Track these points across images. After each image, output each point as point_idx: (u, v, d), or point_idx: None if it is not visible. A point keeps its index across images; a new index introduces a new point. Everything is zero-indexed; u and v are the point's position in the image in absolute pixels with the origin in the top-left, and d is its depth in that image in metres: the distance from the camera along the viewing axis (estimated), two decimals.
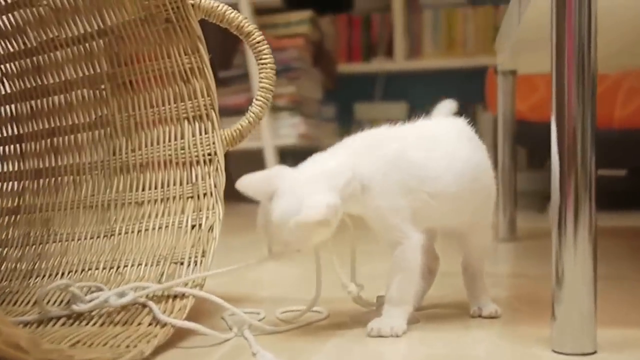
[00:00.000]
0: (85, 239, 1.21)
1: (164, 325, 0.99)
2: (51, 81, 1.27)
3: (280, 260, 1.00)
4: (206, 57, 1.16)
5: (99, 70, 1.23)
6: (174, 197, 1.17)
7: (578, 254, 0.86)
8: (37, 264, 1.22)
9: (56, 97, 1.27)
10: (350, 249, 1.07)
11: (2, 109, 1.33)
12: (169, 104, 1.19)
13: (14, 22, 1.27)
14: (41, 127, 1.30)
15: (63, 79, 1.26)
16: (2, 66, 1.32)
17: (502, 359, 0.89)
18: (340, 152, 1.03)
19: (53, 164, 1.28)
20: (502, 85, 1.95)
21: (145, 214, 1.18)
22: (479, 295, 1.10)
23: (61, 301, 1.09)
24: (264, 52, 1.15)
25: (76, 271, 1.18)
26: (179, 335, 0.99)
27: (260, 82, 1.15)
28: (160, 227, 1.16)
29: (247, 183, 0.98)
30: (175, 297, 1.06)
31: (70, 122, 1.27)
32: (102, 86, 1.23)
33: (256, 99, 1.16)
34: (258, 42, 1.15)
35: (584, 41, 0.87)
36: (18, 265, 1.23)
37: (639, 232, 2.11)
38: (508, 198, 1.94)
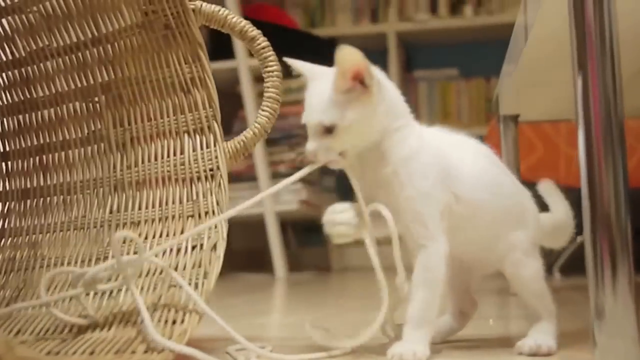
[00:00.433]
0: (76, 262, 1.11)
1: (161, 351, 0.88)
2: (41, 94, 1.18)
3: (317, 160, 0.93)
4: (208, 66, 1.08)
5: (92, 82, 1.15)
6: (173, 216, 1.08)
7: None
8: (22, 290, 1.12)
9: (46, 111, 1.18)
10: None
11: None
12: (168, 116, 1.10)
13: (1, 31, 1.18)
14: (29, 143, 1.20)
15: (54, 91, 1.17)
16: None
17: None
18: None
19: (41, 184, 1.19)
20: (504, 131, 1.88)
21: (142, 235, 1.09)
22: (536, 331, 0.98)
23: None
24: (270, 58, 1.07)
25: (64, 299, 1.07)
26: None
27: (267, 91, 1.07)
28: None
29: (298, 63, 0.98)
30: (174, 321, 0.95)
31: (60, 138, 1.18)
32: (96, 98, 1.15)
33: (262, 109, 1.07)
34: (263, 48, 1.07)
35: (610, 95, 0.81)
36: (1, 293, 1.13)
37: None
38: None
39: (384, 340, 0.99)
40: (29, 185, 1.20)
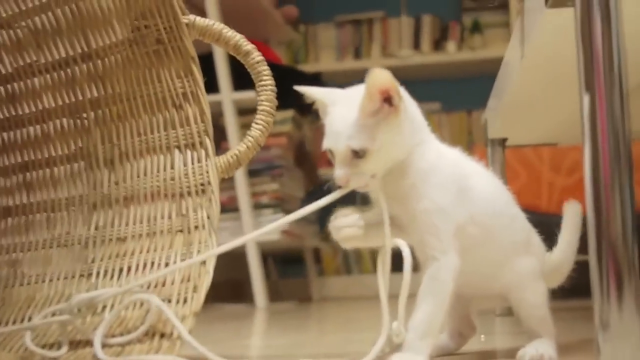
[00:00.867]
0: (58, 279, 1.09)
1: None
2: (27, 111, 1.17)
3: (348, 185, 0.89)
4: (200, 80, 1.07)
5: (81, 98, 1.13)
6: (161, 231, 1.06)
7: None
8: (1, 308, 1.09)
9: (31, 128, 1.16)
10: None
11: None
12: (159, 131, 1.09)
13: None
14: (13, 160, 1.18)
15: (40, 108, 1.16)
16: None
17: None
18: None
19: (24, 201, 1.17)
20: (492, 155, 1.88)
21: (128, 251, 1.07)
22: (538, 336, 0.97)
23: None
24: (264, 73, 1.06)
25: (45, 316, 1.04)
26: None
27: (260, 104, 1.06)
28: (145, 264, 1.05)
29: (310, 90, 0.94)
30: (162, 335, 0.94)
31: (46, 155, 1.16)
32: (84, 115, 1.13)
33: (255, 123, 1.06)
34: (257, 62, 1.06)
35: (617, 117, 0.80)
36: None
37: None
38: None
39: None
40: (11, 203, 1.18)
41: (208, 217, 1.03)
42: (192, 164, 1.06)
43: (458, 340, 1.05)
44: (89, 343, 0.95)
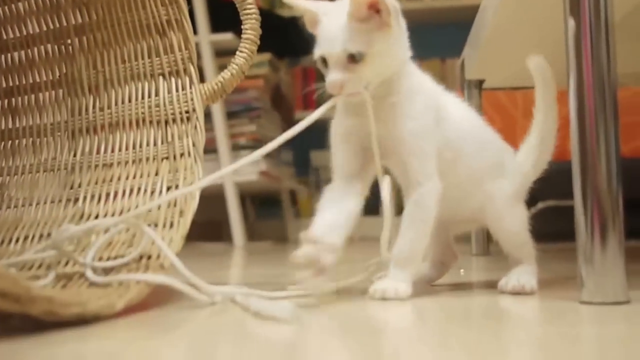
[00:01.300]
0: (45, 203, 1.10)
1: (138, 282, 0.88)
2: (11, 36, 1.16)
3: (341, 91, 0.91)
4: (185, 8, 1.07)
5: (65, 24, 1.13)
6: (147, 158, 1.07)
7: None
8: None
9: (16, 54, 1.16)
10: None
11: None
12: (143, 59, 1.09)
13: None
14: None
15: (24, 33, 1.15)
16: None
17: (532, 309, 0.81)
18: None
19: (10, 126, 1.17)
20: (469, 97, 1.89)
21: (115, 177, 1.08)
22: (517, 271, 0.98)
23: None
24: (248, 1, 1.07)
25: (32, 237, 1.06)
26: (158, 296, 0.89)
27: (245, 32, 1.06)
28: (131, 190, 1.06)
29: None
30: (149, 257, 0.95)
31: (31, 81, 1.16)
32: (69, 41, 1.13)
33: (240, 51, 1.07)
34: None
35: (603, 63, 0.82)
36: None
37: None
38: None
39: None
40: None
41: (193, 145, 1.04)
42: (177, 91, 1.07)
43: (440, 269, 1.07)
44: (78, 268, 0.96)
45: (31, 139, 1.15)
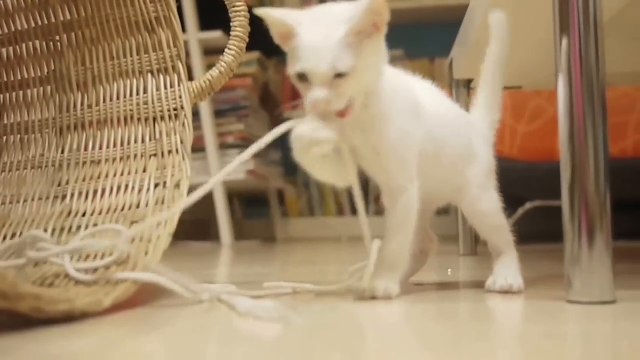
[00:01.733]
0: (33, 200, 1.09)
1: (125, 280, 0.87)
2: None
3: (327, 109, 0.84)
4: (173, 5, 1.07)
5: (54, 20, 1.13)
6: (135, 155, 1.07)
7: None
8: None
9: (4, 50, 1.16)
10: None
11: None
12: (131, 56, 1.09)
13: None
14: None
15: (13, 29, 1.15)
16: None
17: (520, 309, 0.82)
18: None
19: None
20: (457, 96, 1.89)
21: (102, 174, 1.08)
22: (502, 269, 0.99)
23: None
24: None
25: (20, 234, 1.05)
26: (146, 294, 0.89)
27: (234, 30, 1.06)
28: (119, 187, 1.06)
29: (271, 11, 0.87)
30: None
31: (19, 77, 1.16)
32: (57, 37, 1.13)
33: (228, 48, 1.07)
34: None
35: (592, 63, 0.82)
36: None
37: None
38: None
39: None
40: None
41: (181, 142, 1.04)
42: (165, 88, 1.07)
43: (420, 258, 1.06)
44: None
45: (19, 136, 1.15)
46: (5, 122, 1.16)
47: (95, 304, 0.79)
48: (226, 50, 1.07)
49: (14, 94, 1.16)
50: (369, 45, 0.84)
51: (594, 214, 0.81)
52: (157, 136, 1.06)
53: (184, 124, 1.05)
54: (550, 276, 1.19)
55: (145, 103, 1.07)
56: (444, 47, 2.30)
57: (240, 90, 2.94)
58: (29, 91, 1.15)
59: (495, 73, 1.05)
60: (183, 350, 0.64)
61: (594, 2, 0.82)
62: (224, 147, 2.88)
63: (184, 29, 2.85)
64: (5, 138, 1.16)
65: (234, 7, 1.07)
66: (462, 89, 1.89)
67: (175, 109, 1.06)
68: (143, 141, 1.07)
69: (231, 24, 1.07)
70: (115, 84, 1.10)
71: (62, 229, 1.04)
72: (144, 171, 1.05)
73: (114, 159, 1.08)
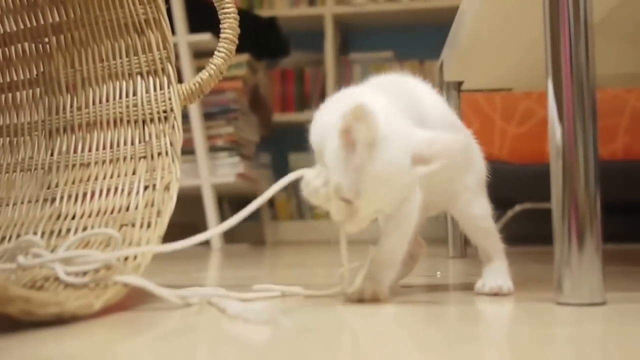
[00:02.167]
0: (22, 203, 1.09)
1: (115, 283, 0.87)
2: None
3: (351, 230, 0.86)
4: (163, 7, 1.07)
5: (42, 22, 1.12)
6: (125, 158, 1.07)
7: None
8: None
9: None
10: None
11: None
12: (121, 57, 1.09)
13: None
14: None
15: (1, 31, 1.15)
16: None
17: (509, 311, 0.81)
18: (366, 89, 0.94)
19: None
20: (447, 99, 1.89)
21: (92, 176, 1.07)
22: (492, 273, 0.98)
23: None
24: (226, 0, 1.06)
25: (10, 237, 1.05)
26: (136, 297, 0.89)
27: (223, 32, 1.06)
28: (108, 190, 1.05)
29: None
30: (126, 258, 0.95)
31: (8, 79, 1.15)
32: (46, 39, 1.12)
33: (218, 51, 1.06)
34: None
35: (582, 65, 0.82)
36: None
37: None
38: None
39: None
40: None
41: (171, 144, 1.04)
42: (155, 90, 1.07)
43: (409, 263, 1.06)
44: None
45: (8, 139, 1.14)
46: None
47: (85, 306, 0.79)
48: (215, 52, 1.07)
49: (3, 96, 1.15)
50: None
51: (583, 216, 0.81)
52: (147, 138, 1.06)
53: (173, 126, 1.05)
54: (540, 278, 1.19)
55: (135, 105, 1.07)
56: (433, 49, 2.31)
57: (229, 92, 2.94)
58: (17, 93, 1.14)
59: None
60: (173, 352, 0.63)
61: (584, 4, 0.82)
62: (213, 149, 2.88)
63: (173, 32, 2.84)
64: None
65: (223, 8, 1.07)
66: (453, 91, 1.89)
67: (164, 111, 1.06)
68: (132, 143, 1.06)
69: (220, 26, 1.07)
70: (105, 86, 1.09)
71: (52, 232, 1.04)
72: (134, 173, 1.05)
73: (104, 162, 1.07)
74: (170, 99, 1.05)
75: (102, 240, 0.99)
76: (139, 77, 1.08)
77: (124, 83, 1.08)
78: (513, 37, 1.34)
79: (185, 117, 2.82)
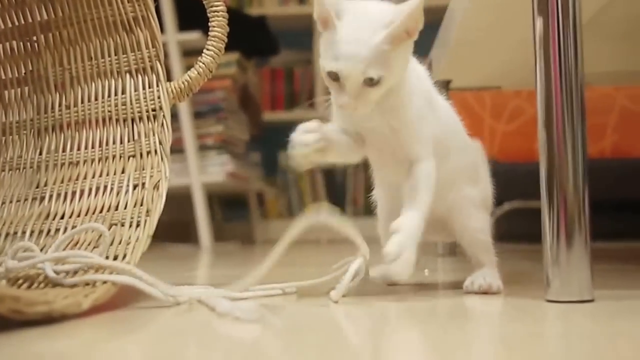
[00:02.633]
0: (11, 202, 1.08)
1: (104, 282, 0.87)
2: None
3: (356, 110, 0.86)
4: (151, 5, 1.06)
5: (30, 20, 1.12)
6: (114, 156, 1.06)
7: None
8: None
9: None
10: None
11: None
12: (109, 56, 1.09)
13: None
14: None
15: None
16: None
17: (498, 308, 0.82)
18: None
19: None
20: None
21: (81, 175, 1.07)
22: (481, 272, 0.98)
23: None
24: None
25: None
26: (125, 296, 0.89)
27: (212, 30, 1.06)
28: (97, 189, 1.05)
29: None
30: (115, 257, 0.95)
31: None
32: (34, 38, 1.12)
33: (206, 49, 1.06)
34: None
35: (571, 64, 0.83)
36: None
37: None
38: None
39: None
40: None
41: (160, 143, 1.04)
42: (144, 89, 1.06)
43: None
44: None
45: None
46: None
47: (74, 305, 0.78)
48: (204, 50, 1.06)
49: None
50: (399, 51, 0.85)
51: (572, 215, 0.82)
52: (136, 137, 1.05)
53: (162, 125, 1.04)
54: (529, 276, 1.19)
55: (124, 104, 1.07)
56: (422, 47, 2.30)
57: (219, 91, 2.93)
58: (5, 92, 1.14)
59: None
60: (162, 352, 0.63)
61: (573, 2, 0.83)
62: (203, 148, 2.87)
63: (162, 30, 2.83)
64: None
65: (212, 7, 1.06)
66: (442, 90, 1.89)
67: (153, 110, 1.05)
68: (121, 142, 1.06)
69: (209, 24, 1.06)
70: (93, 85, 1.09)
71: (41, 231, 1.03)
72: (123, 172, 1.05)
73: (93, 160, 1.07)
74: (159, 97, 1.05)
75: (91, 239, 0.99)
76: (128, 76, 1.07)
77: (113, 81, 1.08)
78: (502, 35, 1.34)
79: (175, 116, 2.81)
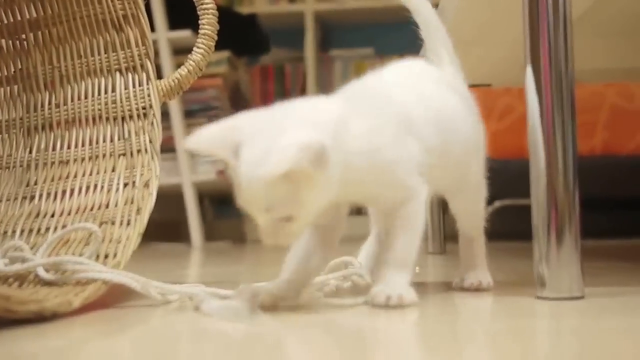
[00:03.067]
0: (1, 201, 1.08)
1: (94, 281, 0.87)
2: None
3: (277, 245, 0.78)
4: (141, 3, 1.06)
5: (20, 18, 1.11)
6: (104, 155, 1.06)
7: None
8: None
9: None
10: None
11: None
12: (99, 54, 1.08)
13: None
14: None
15: None
16: None
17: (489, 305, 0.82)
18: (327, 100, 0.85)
19: None
20: None
21: (71, 174, 1.07)
22: (473, 266, 0.97)
23: None
24: None
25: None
26: (116, 295, 0.89)
27: (202, 28, 1.06)
28: (87, 187, 1.05)
29: (201, 138, 0.75)
30: (106, 256, 0.94)
31: None
32: (23, 36, 1.11)
33: (197, 47, 1.06)
34: None
35: (561, 59, 0.83)
36: None
37: None
38: (436, 213, 1.89)
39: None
40: None
41: (150, 141, 1.04)
42: (134, 87, 1.06)
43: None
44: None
45: None
46: None
47: (64, 304, 0.79)
48: (194, 48, 1.06)
49: None
50: (310, 186, 0.74)
51: (562, 212, 0.82)
52: (126, 135, 1.05)
53: (152, 123, 1.04)
54: (520, 273, 1.19)
55: (114, 102, 1.06)
56: (413, 45, 2.30)
57: (210, 90, 2.93)
58: None
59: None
60: (153, 350, 0.63)
61: (563, 0, 0.83)
62: None
63: (152, 28, 2.83)
64: None
65: (202, 4, 1.06)
66: None
67: (143, 108, 1.05)
68: (112, 140, 1.06)
69: (199, 22, 1.06)
70: (83, 83, 1.09)
71: (31, 230, 1.03)
72: (113, 170, 1.04)
73: (83, 159, 1.07)
74: (149, 95, 1.05)
75: (82, 237, 0.98)
76: (117, 74, 1.07)
77: (103, 80, 1.08)
78: (492, 33, 1.35)
79: (166, 115, 2.81)
